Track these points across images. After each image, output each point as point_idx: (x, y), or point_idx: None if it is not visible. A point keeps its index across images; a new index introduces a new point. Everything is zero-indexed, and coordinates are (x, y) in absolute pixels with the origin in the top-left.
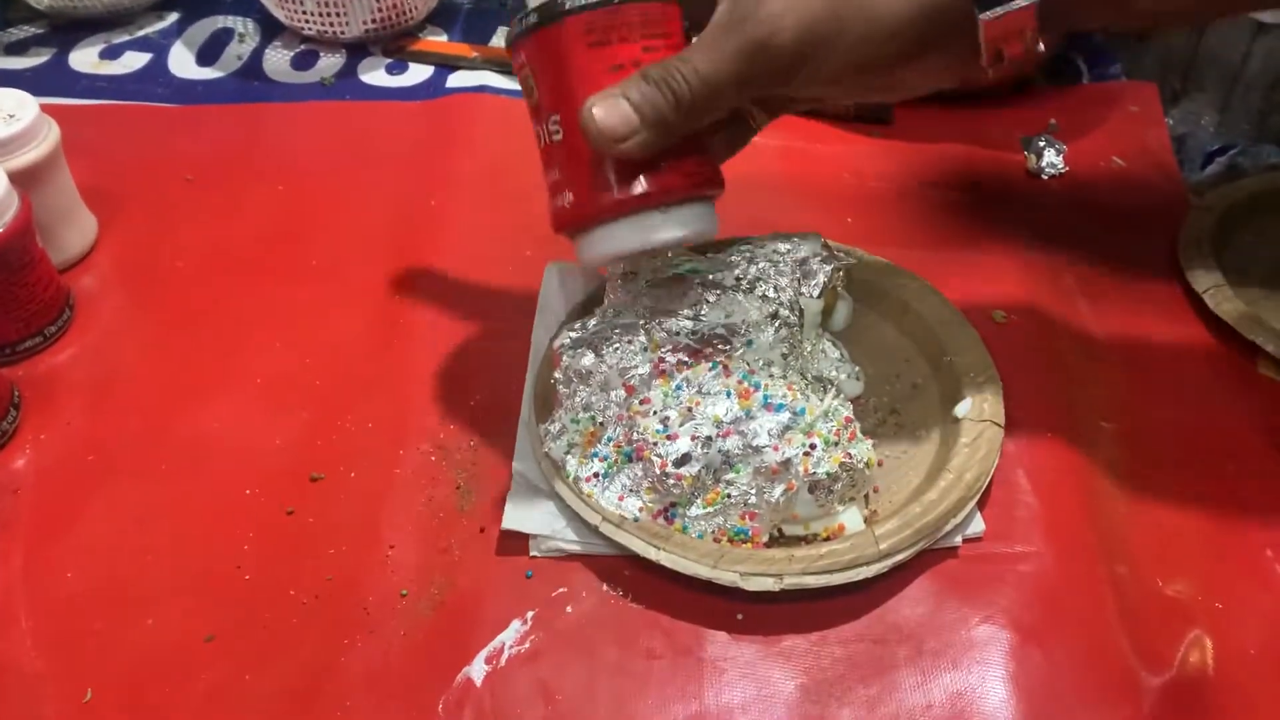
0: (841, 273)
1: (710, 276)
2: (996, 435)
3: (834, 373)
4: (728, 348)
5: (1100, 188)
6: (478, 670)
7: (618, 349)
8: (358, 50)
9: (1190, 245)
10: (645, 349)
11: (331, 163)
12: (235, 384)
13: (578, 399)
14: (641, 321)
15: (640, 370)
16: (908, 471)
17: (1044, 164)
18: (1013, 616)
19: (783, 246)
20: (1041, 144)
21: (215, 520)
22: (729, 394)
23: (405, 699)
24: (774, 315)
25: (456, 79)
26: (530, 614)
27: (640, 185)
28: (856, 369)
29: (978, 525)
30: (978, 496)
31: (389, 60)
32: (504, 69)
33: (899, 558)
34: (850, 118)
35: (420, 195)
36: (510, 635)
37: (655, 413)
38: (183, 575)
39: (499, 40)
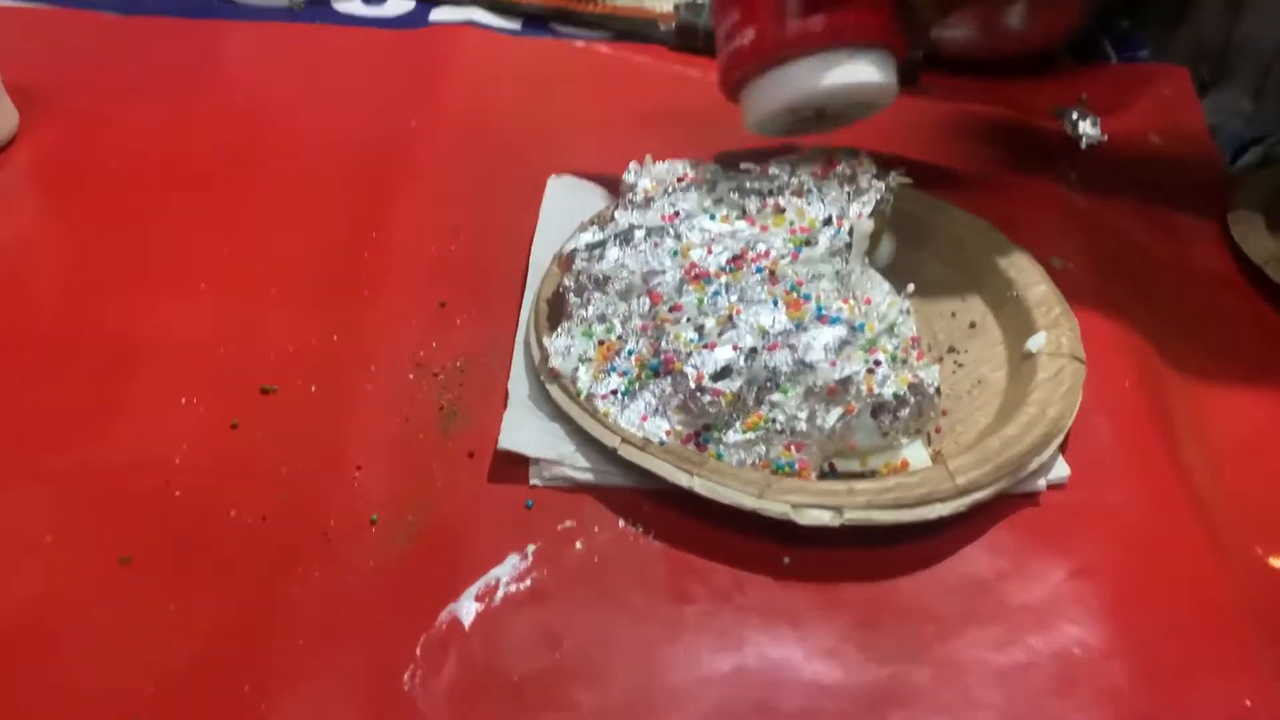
0: (894, 193)
1: (748, 184)
2: (1079, 371)
3: (884, 307)
4: (773, 254)
5: (1141, 161)
6: (466, 609)
7: (642, 251)
8: None
9: (1241, 220)
10: (675, 253)
11: (296, 83)
12: (173, 289)
13: (591, 308)
14: (670, 226)
15: (669, 276)
16: (973, 412)
17: (1081, 132)
18: (1109, 572)
19: (825, 159)
20: (1075, 115)
21: (142, 430)
22: (776, 303)
23: (374, 639)
24: (827, 221)
25: (440, 14)
26: (531, 548)
27: (830, 19)
28: (908, 304)
29: (1062, 469)
30: (1063, 434)
31: None
32: (494, 6)
33: (978, 496)
34: None
35: (397, 119)
36: (506, 571)
37: (689, 319)
38: (95, 488)
39: None
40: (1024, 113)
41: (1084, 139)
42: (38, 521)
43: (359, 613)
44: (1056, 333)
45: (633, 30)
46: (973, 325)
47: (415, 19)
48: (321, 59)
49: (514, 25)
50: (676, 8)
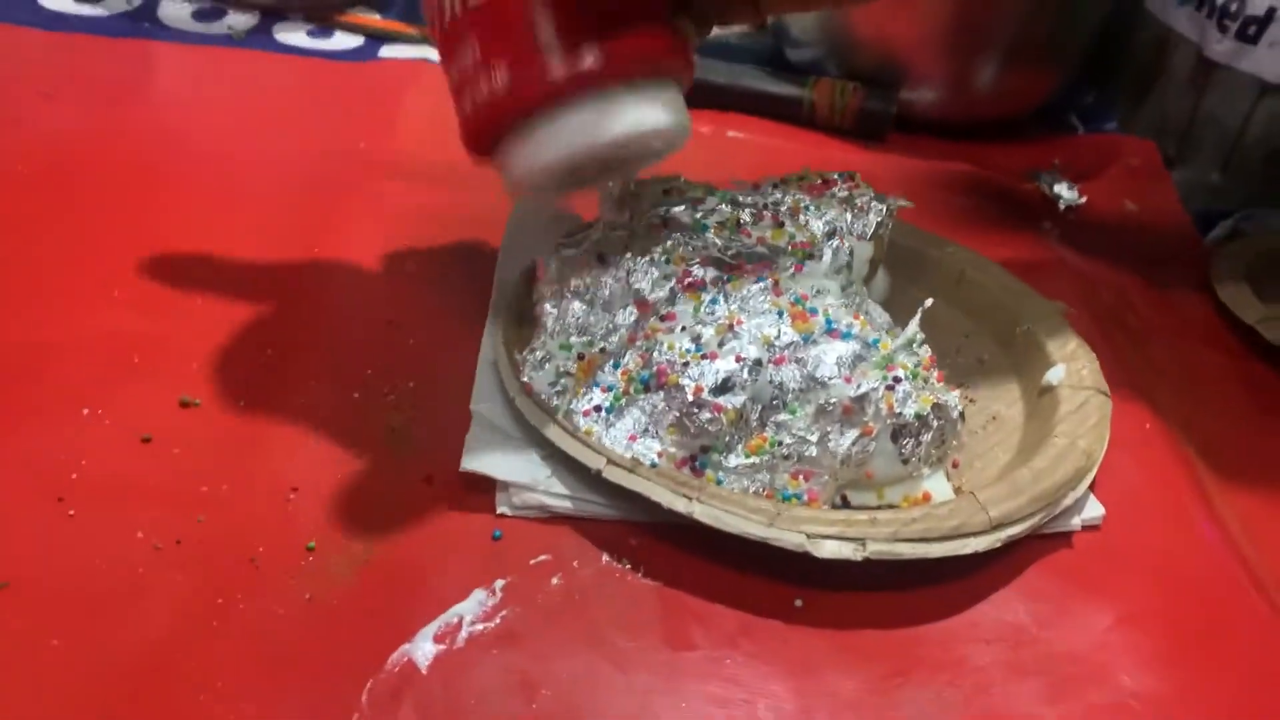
0: (893, 217)
1: (740, 198)
2: (1105, 404)
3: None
4: (774, 267)
5: (1119, 225)
6: (423, 651)
7: (627, 261)
8: (273, 14)
9: (1225, 283)
10: (666, 260)
11: (238, 103)
12: (83, 296)
13: (570, 319)
14: (658, 235)
15: (659, 290)
16: (991, 448)
17: (1059, 192)
18: (1158, 618)
19: (819, 180)
20: (1049, 178)
21: (34, 441)
22: (781, 314)
23: (310, 683)
24: (831, 234)
25: (392, 50)
26: (500, 584)
27: (605, 52)
28: (920, 334)
29: (1096, 509)
30: (1096, 467)
31: (311, 26)
32: None
33: (1013, 531)
34: (846, 129)
35: (347, 137)
36: (471, 608)
37: (684, 329)
38: None
39: None
40: (999, 170)
41: (1061, 201)
42: None
43: (293, 652)
44: (1076, 365)
45: None
46: (981, 361)
47: (365, 52)
48: (262, 82)
49: None
50: None
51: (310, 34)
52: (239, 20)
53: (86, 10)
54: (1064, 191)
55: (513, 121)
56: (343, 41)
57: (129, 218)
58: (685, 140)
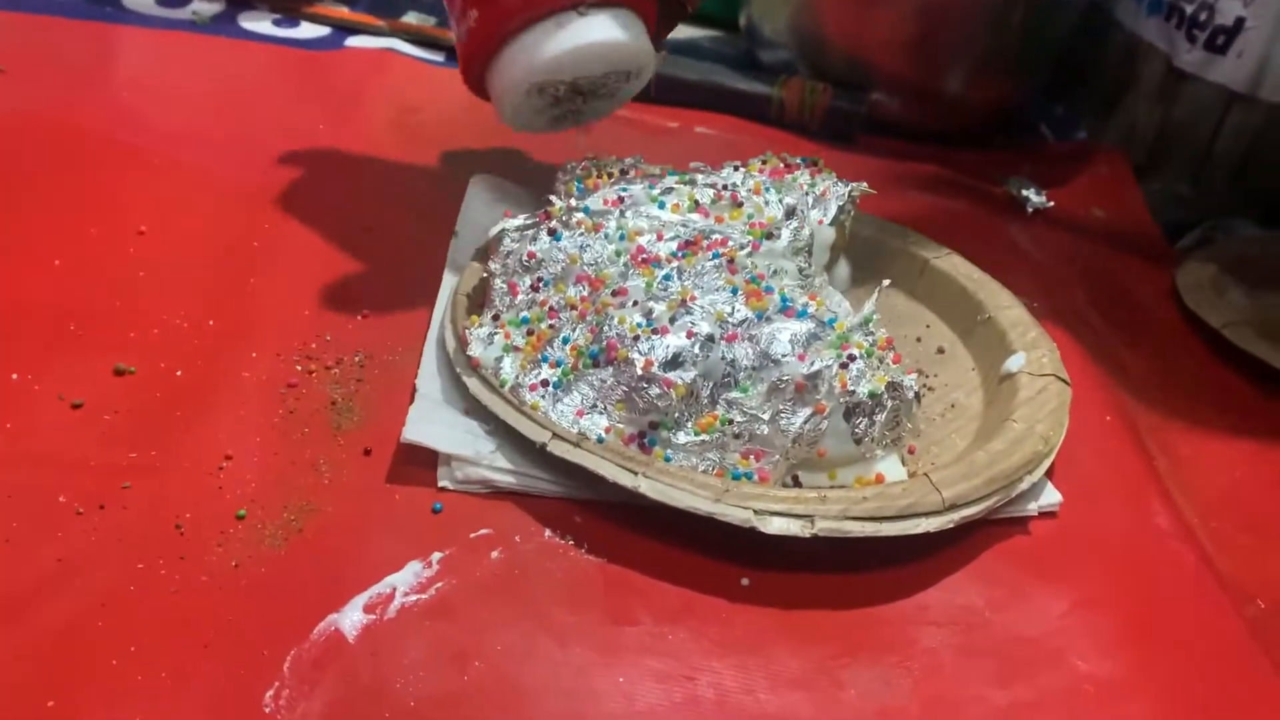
0: (856, 201)
1: (700, 179)
2: (1064, 391)
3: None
4: (730, 244)
5: (1087, 230)
6: (351, 620)
7: (580, 234)
8: (239, 1)
9: (1191, 290)
10: (621, 236)
11: (195, 86)
12: (23, 264)
13: (521, 295)
14: (613, 210)
15: (611, 264)
16: (949, 435)
17: (1028, 195)
18: (1114, 603)
19: (782, 164)
20: (1018, 182)
21: None
22: (735, 291)
23: (230, 649)
24: (790, 214)
25: (358, 40)
26: (436, 556)
27: None
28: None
29: (1053, 495)
30: (1054, 453)
31: (277, 16)
32: (416, 39)
33: (967, 512)
34: (814, 129)
35: (307, 120)
36: (406, 579)
37: (635, 303)
38: None
39: (411, 18)
40: (968, 173)
41: (1029, 204)
42: None
43: (215, 619)
44: (1036, 353)
45: None
46: (941, 351)
47: (331, 42)
48: (224, 67)
49: (437, 57)
50: None
51: (276, 23)
52: (204, 7)
53: None
54: (1032, 195)
55: (487, 54)
56: (309, 31)
57: (79, 192)
58: (648, 61)
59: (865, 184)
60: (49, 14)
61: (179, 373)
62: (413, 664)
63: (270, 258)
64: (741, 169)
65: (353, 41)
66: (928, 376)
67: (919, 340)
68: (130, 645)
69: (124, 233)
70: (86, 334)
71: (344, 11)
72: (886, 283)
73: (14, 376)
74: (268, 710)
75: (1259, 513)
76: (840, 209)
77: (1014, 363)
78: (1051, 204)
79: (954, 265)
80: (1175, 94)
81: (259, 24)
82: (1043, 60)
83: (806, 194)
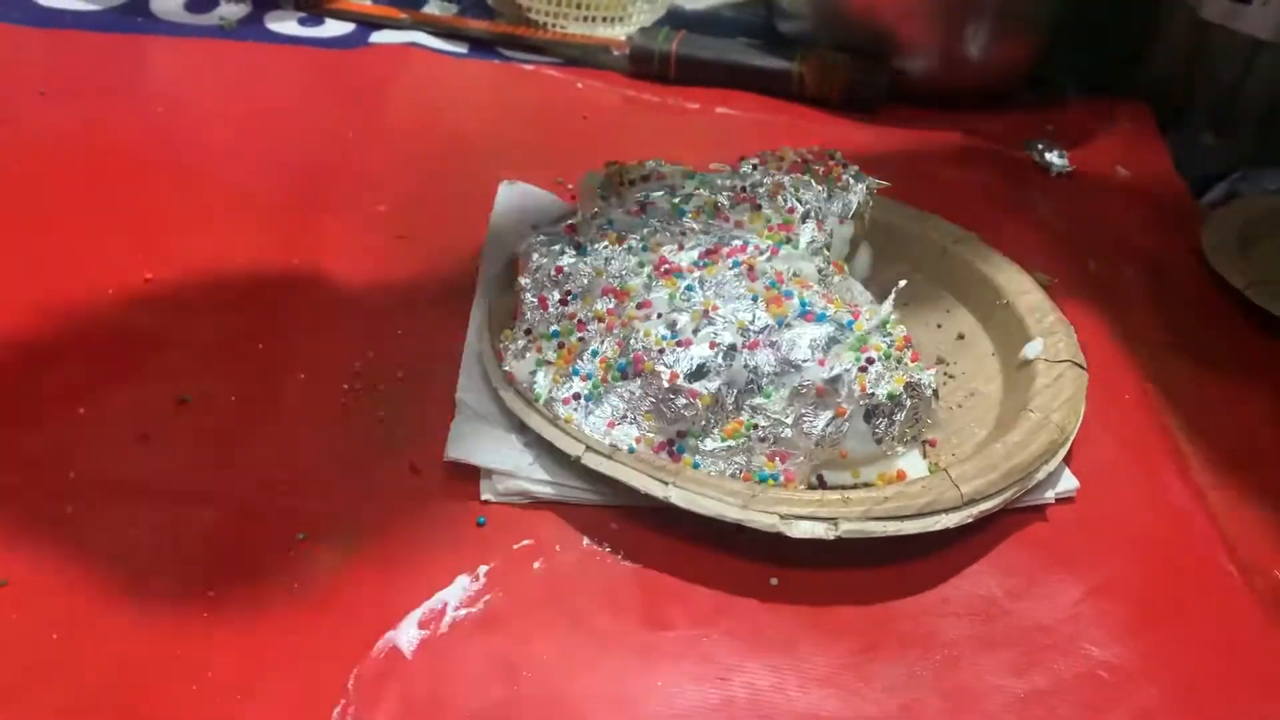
0: (873, 196)
1: (719, 181)
2: (1080, 377)
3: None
4: (749, 250)
5: (1111, 190)
6: (408, 637)
7: (605, 249)
8: (265, 1)
9: (1216, 249)
10: (644, 248)
11: (227, 94)
12: (80, 295)
13: (551, 309)
14: (636, 221)
15: (635, 276)
16: (969, 424)
17: (1050, 160)
18: (1129, 589)
19: (797, 158)
20: (1041, 146)
21: (29, 441)
22: (755, 299)
23: (297, 669)
24: (807, 216)
25: (381, 36)
26: (483, 569)
27: None
28: (894, 312)
29: (1070, 482)
30: (1069, 441)
31: (302, 14)
32: (438, 31)
33: (985, 506)
34: (835, 102)
35: (336, 127)
36: (455, 594)
37: (660, 315)
38: None
39: (433, 8)
40: (990, 140)
41: (1052, 168)
42: None
43: (282, 640)
44: (1053, 339)
45: (584, 57)
46: (961, 337)
47: (355, 39)
48: (253, 74)
49: (460, 49)
50: (629, 37)
51: (301, 22)
52: (231, 10)
53: (80, 5)
54: (1055, 159)
55: None
56: (333, 29)
57: (123, 214)
58: None
59: (881, 180)
60: (83, 29)
61: (233, 398)
62: (466, 677)
63: (309, 275)
64: (760, 167)
65: (376, 37)
66: (948, 364)
67: (940, 327)
68: (207, 670)
69: (168, 255)
70: (145, 363)
71: (366, 5)
72: (903, 283)
73: (81, 410)
74: None
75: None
76: (859, 204)
77: (1031, 349)
78: (1074, 167)
79: (973, 249)
80: (1200, 45)
81: (285, 25)
82: (1065, 16)
83: (824, 190)
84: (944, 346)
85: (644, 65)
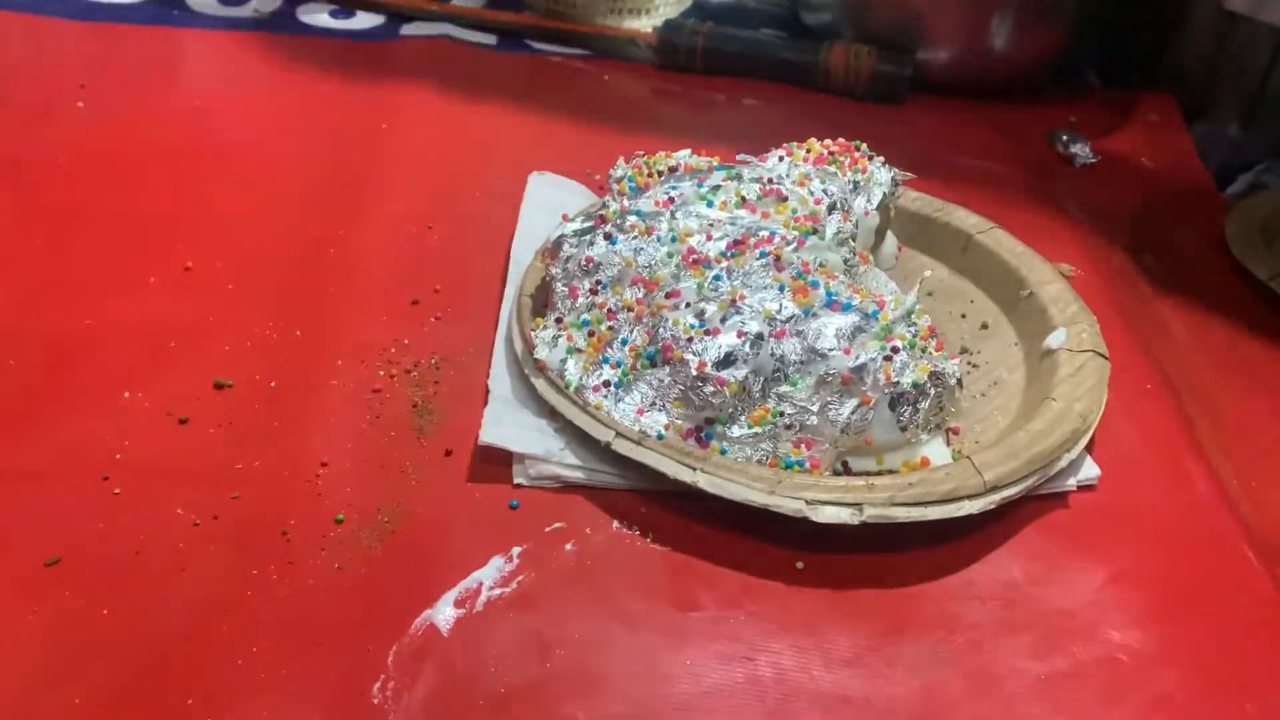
0: (899, 187)
1: (745, 173)
2: (1103, 367)
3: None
4: (776, 240)
5: (1135, 182)
6: (444, 615)
7: (635, 237)
8: None
9: (1239, 239)
10: (673, 238)
11: (261, 86)
12: (119, 283)
13: (581, 297)
14: (665, 211)
15: (664, 265)
16: (992, 413)
17: (1074, 151)
18: (1150, 575)
19: (823, 150)
20: (1066, 137)
21: (77, 425)
22: (782, 288)
23: (340, 647)
24: (833, 208)
25: (412, 28)
26: (516, 550)
27: None
28: (918, 302)
29: (1092, 469)
30: (1092, 430)
31: (333, 6)
32: (468, 23)
33: (1008, 493)
34: (860, 93)
35: (369, 118)
36: (490, 574)
37: (688, 305)
38: (21, 485)
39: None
40: (1014, 133)
41: (1077, 159)
42: None
43: (323, 619)
44: (1076, 329)
45: (612, 48)
46: (984, 326)
47: (386, 31)
48: (287, 65)
49: (489, 40)
50: (656, 29)
51: (333, 14)
52: (264, 2)
53: None
54: (1079, 150)
55: None
56: (364, 21)
57: (161, 205)
58: None
59: (907, 172)
60: (120, 21)
61: (273, 384)
62: (501, 654)
63: (346, 263)
64: (787, 158)
65: (407, 29)
66: (972, 354)
67: (964, 316)
68: (252, 646)
69: (207, 245)
70: (186, 350)
71: None
72: (928, 273)
73: (125, 395)
74: (376, 701)
75: None
76: (885, 195)
77: (1054, 339)
78: (1098, 158)
79: (997, 240)
80: (1226, 36)
81: (317, 17)
82: (1090, 7)
83: (850, 181)
84: (967, 336)
85: (671, 57)
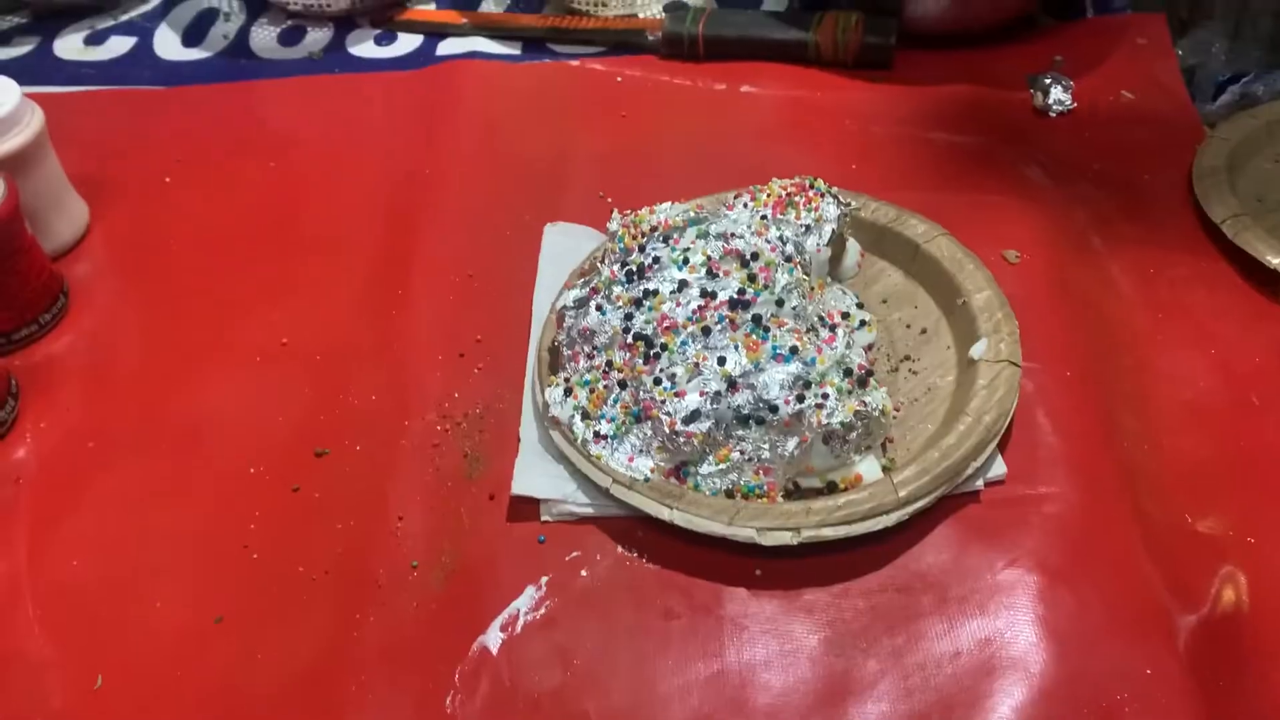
0: (848, 218)
1: (711, 229)
2: (1014, 375)
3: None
4: (735, 297)
5: (1110, 123)
6: (493, 638)
7: (620, 309)
8: (345, 23)
9: (1205, 176)
10: (649, 308)
11: (323, 137)
12: (233, 362)
13: (582, 360)
14: (643, 280)
15: (646, 329)
16: (923, 419)
17: (1051, 101)
18: (1039, 559)
19: (782, 191)
20: (1048, 81)
21: (220, 500)
22: (737, 347)
23: (421, 671)
24: (788, 257)
25: (446, 46)
26: (544, 579)
27: None
28: (868, 316)
29: (999, 468)
30: (997, 439)
31: (377, 31)
32: (494, 34)
33: (919, 505)
34: (849, 64)
35: (414, 164)
36: (525, 601)
37: (662, 370)
38: (188, 557)
39: (489, 5)
40: (996, 86)
41: (1054, 108)
42: (147, 589)
43: (407, 649)
44: (996, 339)
45: (625, 40)
46: (924, 332)
47: (424, 53)
48: (341, 109)
49: (514, 50)
50: (661, 21)
51: (377, 41)
52: (317, 38)
53: (194, 55)
54: (1057, 97)
55: None
56: (405, 45)
57: (251, 279)
58: None
59: (862, 199)
60: (199, 80)
61: (358, 448)
62: (535, 666)
63: (405, 323)
64: (750, 204)
65: (443, 48)
66: (912, 360)
67: (908, 326)
68: (362, 675)
69: (295, 316)
70: (291, 423)
71: (431, 11)
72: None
73: (251, 470)
74: (449, 711)
75: (1213, 428)
76: (833, 231)
77: (976, 350)
78: (1075, 105)
79: (940, 249)
80: None
81: (364, 46)
82: None
83: (803, 225)
84: (910, 342)
85: (676, 48)
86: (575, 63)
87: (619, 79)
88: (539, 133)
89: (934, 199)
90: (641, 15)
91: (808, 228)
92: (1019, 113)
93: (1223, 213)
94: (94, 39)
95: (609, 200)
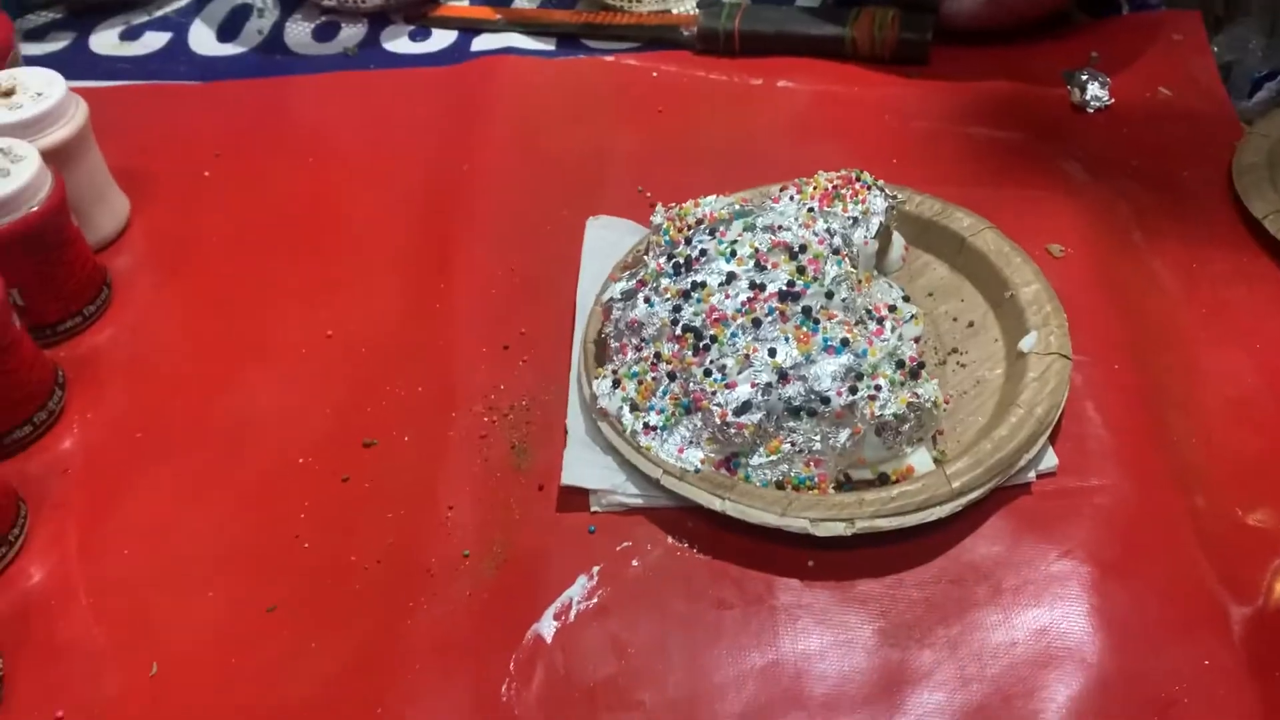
0: (895, 211)
1: (758, 221)
2: (1065, 368)
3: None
4: (785, 289)
5: (1148, 119)
6: (547, 627)
7: (668, 300)
8: (379, 19)
9: (1245, 172)
10: (698, 299)
11: (360, 133)
12: (278, 355)
13: (630, 352)
14: (692, 272)
15: (694, 321)
16: (973, 411)
17: (1088, 97)
18: (1091, 550)
19: (828, 184)
20: (1084, 78)
21: (270, 491)
22: (787, 339)
23: (476, 659)
24: (836, 249)
25: (481, 42)
26: (596, 569)
27: None
28: (916, 310)
29: (1050, 460)
30: (1049, 430)
31: (411, 27)
32: (528, 30)
33: (973, 496)
34: (886, 59)
35: (452, 161)
36: (577, 591)
37: (712, 361)
38: (240, 547)
39: (522, 1)
40: (1033, 82)
41: (1091, 104)
42: (199, 580)
43: (461, 637)
44: (1045, 331)
45: (659, 36)
46: (971, 325)
47: (459, 49)
48: (377, 105)
49: (549, 45)
50: (696, 17)
51: (412, 36)
52: (351, 33)
53: (229, 50)
54: (1096, 92)
55: None
56: (439, 40)
57: (296, 274)
58: None
59: (906, 192)
60: (233, 75)
61: (406, 438)
62: (588, 654)
63: (448, 317)
64: (796, 196)
65: (477, 44)
66: (960, 353)
67: (955, 319)
68: (415, 664)
69: (340, 310)
70: (340, 415)
71: (465, 7)
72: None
73: (300, 461)
74: (504, 700)
75: (1262, 423)
76: (881, 224)
77: (1026, 343)
78: (1112, 101)
79: (986, 242)
80: None
81: (398, 42)
82: None
83: (850, 218)
84: (958, 335)
85: (711, 43)
86: (610, 58)
87: (654, 74)
88: (576, 128)
89: (975, 193)
90: (675, 11)
91: (855, 220)
92: (1056, 108)
93: (1264, 208)
94: (129, 34)
95: (648, 195)
